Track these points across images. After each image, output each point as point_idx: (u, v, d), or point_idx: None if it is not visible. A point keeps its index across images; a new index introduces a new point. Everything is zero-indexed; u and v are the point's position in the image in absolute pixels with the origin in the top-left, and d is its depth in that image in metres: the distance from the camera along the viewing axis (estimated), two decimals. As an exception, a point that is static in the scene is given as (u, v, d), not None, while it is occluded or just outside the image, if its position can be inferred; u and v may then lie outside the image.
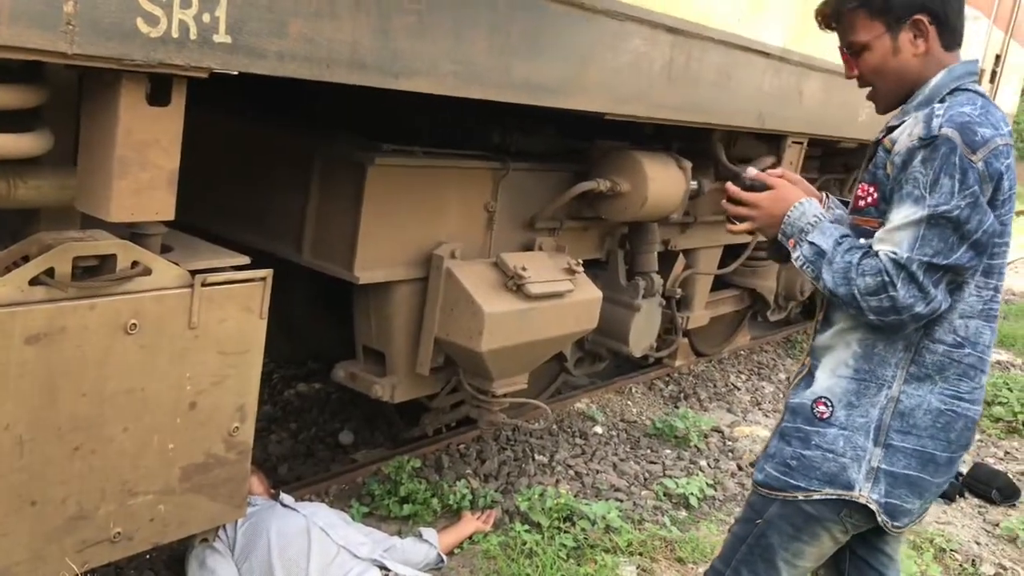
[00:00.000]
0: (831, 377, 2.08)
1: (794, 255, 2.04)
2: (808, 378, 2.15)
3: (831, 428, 2.05)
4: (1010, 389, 6.23)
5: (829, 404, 2.05)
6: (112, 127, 1.89)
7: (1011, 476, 4.92)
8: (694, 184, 4.13)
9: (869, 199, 2.02)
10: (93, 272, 2.04)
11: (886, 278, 1.88)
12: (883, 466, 2.02)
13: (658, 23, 3.12)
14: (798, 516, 2.11)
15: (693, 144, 4.20)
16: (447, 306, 3.35)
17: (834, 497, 2.05)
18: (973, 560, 4.00)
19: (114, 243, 2.06)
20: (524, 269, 3.43)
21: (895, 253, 1.88)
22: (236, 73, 1.94)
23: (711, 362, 6.48)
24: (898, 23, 1.96)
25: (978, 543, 4.23)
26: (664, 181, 3.85)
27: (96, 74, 1.85)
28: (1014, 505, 4.69)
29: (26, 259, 1.95)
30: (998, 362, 7.58)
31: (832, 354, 2.10)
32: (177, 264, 2.19)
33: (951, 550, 4.06)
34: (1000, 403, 6.04)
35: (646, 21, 3.06)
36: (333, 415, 4.70)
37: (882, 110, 2.12)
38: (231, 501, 2.52)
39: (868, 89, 2.13)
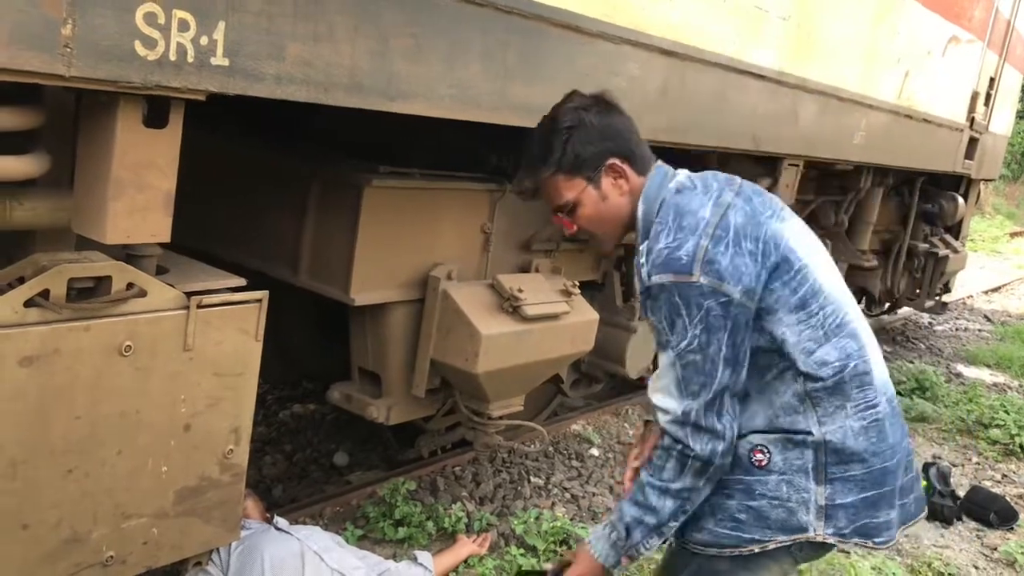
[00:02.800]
0: (757, 433, 2.05)
1: (647, 548, 2.06)
2: None
3: (771, 475, 2.01)
4: (1007, 411, 6.22)
5: (766, 451, 2.02)
6: (109, 149, 1.89)
7: (1009, 499, 4.91)
8: (690, 206, 4.13)
9: None
10: (88, 294, 2.03)
11: (675, 448, 1.96)
12: (836, 501, 1.99)
13: (654, 46, 3.14)
14: (749, 561, 2.06)
15: (688, 166, 4.19)
16: (443, 328, 3.34)
17: (789, 543, 2.01)
18: (971, 584, 3.99)
19: (109, 265, 2.05)
20: (520, 291, 3.43)
21: (669, 413, 1.95)
22: (231, 95, 1.95)
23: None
24: (596, 173, 2.04)
25: (976, 567, 4.21)
26: (660, 203, 3.85)
27: (93, 96, 1.86)
28: (1012, 529, 4.68)
29: (21, 280, 1.94)
30: (995, 384, 7.58)
31: (750, 414, 2.07)
32: (173, 286, 2.18)
33: (949, 574, 4.04)
34: (997, 425, 6.03)
35: (642, 44, 3.08)
36: (328, 436, 4.68)
37: (611, 248, 2.20)
38: (225, 524, 2.50)
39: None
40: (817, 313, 1.97)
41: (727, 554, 2.05)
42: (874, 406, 2.01)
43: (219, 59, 1.89)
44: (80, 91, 1.80)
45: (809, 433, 1.98)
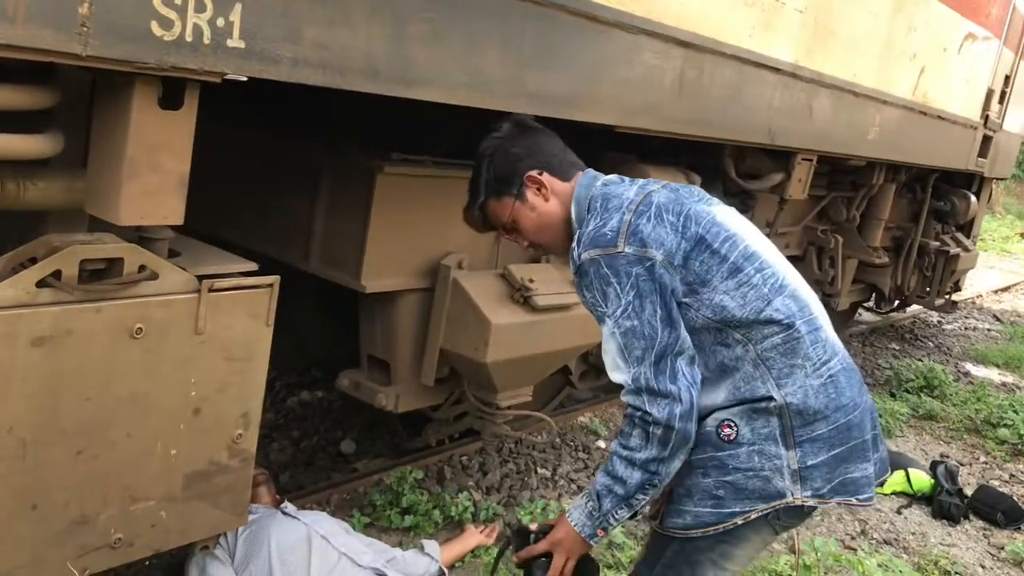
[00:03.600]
0: (722, 409, 2.07)
1: (616, 519, 2.07)
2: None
3: (741, 447, 2.03)
4: (1016, 411, 6.19)
5: (732, 425, 2.04)
6: (123, 129, 1.88)
7: (1016, 499, 4.89)
8: (703, 199, 4.11)
9: None
10: (100, 275, 2.03)
11: (636, 415, 1.98)
12: (807, 463, 2.01)
13: (670, 37, 3.12)
14: (729, 534, 2.08)
15: (702, 159, 4.19)
16: (453, 317, 3.34)
17: (769, 510, 2.03)
18: (978, 583, 3.97)
19: (122, 247, 2.04)
20: (531, 281, 3.41)
21: (624, 386, 2.01)
22: (245, 79, 1.94)
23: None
24: (519, 188, 2.18)
25: (983, 566, 4.19)
26: (673, 195, 3.83)
27: (109, 76, 1.84)
28: (1019, 528, 4.66)
29: (33, 261, 1.94)
30: (1003, 384, 7.54)
31: (713, 394, 2.09)
32: (184, 269, 2.18)
33: (956, 573, 4.02)
34: (1005, 425, 6.00)
35: (658, 35, 3.06)
36: (335, 424, 4.68)
37: (564, 253, 2.24)
38: (233, 509, 2.50)
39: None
40: (754, 275, 2.03)
41: (711, 532, 2.07)
42: (827, 362, 2.04)
43: (235, 41, 1.87)
44: (96, 71, 1.79)
45: (771, 399, 2.01)
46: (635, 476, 2.00)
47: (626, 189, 2.11)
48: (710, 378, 2.06)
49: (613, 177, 2.20)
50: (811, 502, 2.03)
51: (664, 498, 2.16)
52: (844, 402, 2.05)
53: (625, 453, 2.02)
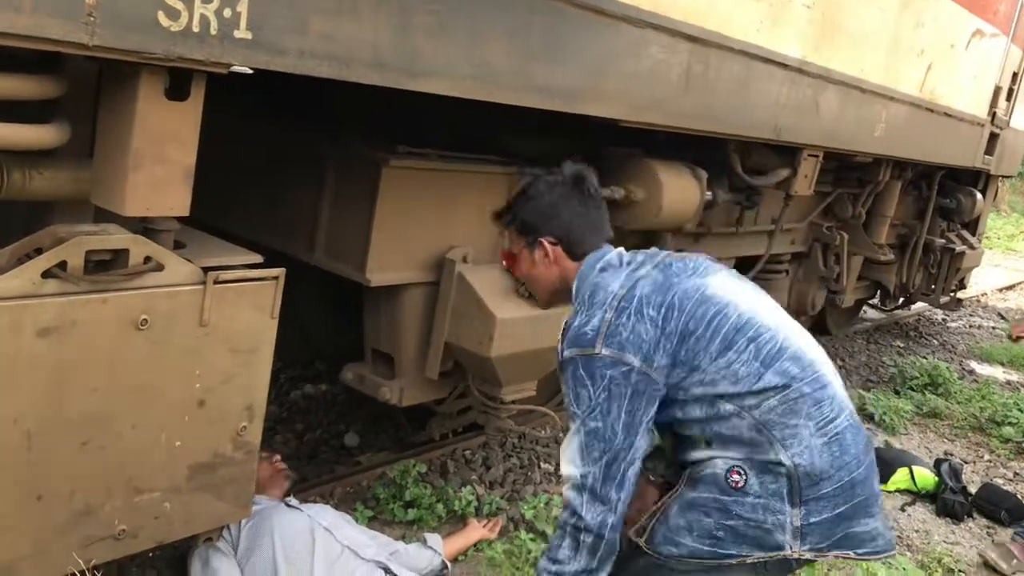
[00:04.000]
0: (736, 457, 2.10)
1: None
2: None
3: (748, 497, 2.05)
4: (1020, 409, 6.17)
5: (743, 472, 2.06)
6: (129, 120, 1.88)
7: (1020, 497, 4.88)
8: (709, 194, 4.11)
9: None
10: (106, 266, 2.03)
11: (569, 522, 2.05)
12: (810, 520, 2.03)
13: (677, 31, 3.10)
14: (716, 568, 2.11)
15: (707, 154, 4.18)
16: (458, 311, 3.33)
17: (766, 559, 2.06)
18: (981, 581, 3.97)
19: (127, 238, 2.04)
20: (536, 275, 3.40)
21: (570, 480, 2.07)
22: (251, 71, 1.93)
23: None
24: (532, 243, 2.28)
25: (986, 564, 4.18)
26: (679, 190, 3.83)
27: (115, 66, 1.84)
28: (1023, 526, 4.65)
29: (39, 251, 1.94)
30: (1008, 382, 7.53)
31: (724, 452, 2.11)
32: (190, 261, 2.18)
33: (959, 571, 4.02)
34: (1010, 423, 5.99)
35: (665, 29, 3.05)
36: (339, 417, 4.68)
37: (544, 306, 2.43)
38: (237, 501, 2.50)
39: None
40: (747, 347, 2.04)
41: (706, 564, 2.10)
42: (833, 420, 2.06)
43: (242, 32, 1.87)
44: (102, 61, 1.79)
45: (780, 463, 2.03)
46: (576, 563, 2.05)
47: (615, 278, 2.14)
48: (724, 441, 2.08)
49: (613, 256, 2.23)
50: (808, 556, 2.05)
51: (654, 517, 2.18)
52: (848, 460, 2.05)
53: (554, 568, 2.08)
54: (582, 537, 2.04)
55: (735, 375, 2.03)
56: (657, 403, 2.06)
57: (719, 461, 2.08)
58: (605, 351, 2.02)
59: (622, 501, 2.04)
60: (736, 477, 2.05)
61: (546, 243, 2.25)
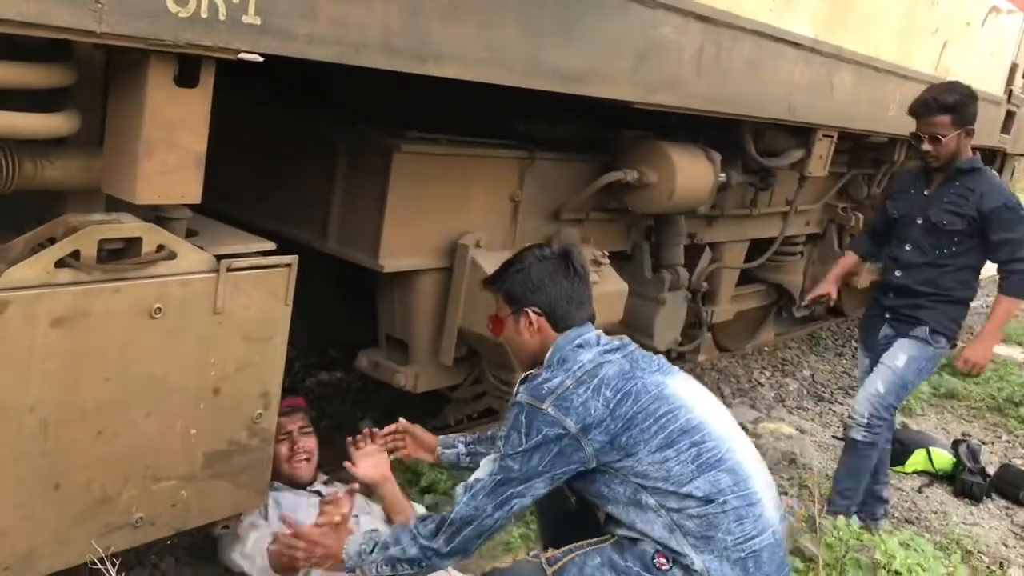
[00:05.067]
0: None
1: (376, 571, 2.29)
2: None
3: None
4: (1037, 389, 6.15)
5: (668, 562, 2.18)
6: (139, 108, 1.87)
7: (1039, 478, 4.85)
8: (722, 176, 4.08)
9: None
10: (118, 255, 2.03)
11: (444, 515, 2.26)
12: None
13: (689, 11, 3.07)
14: None
15: (721, 135, 4.14)
16: (471, 296, 3.32)
17: None
18: (1001, 563, 3.94)
19: (140, 226, 2.04)
20: (549, 260, 3.39)
21: (469, 490, 2.26)
22: (261, 59, 1.92)
23: (734, 357, 6.42)
24: (518, 312, 2.42)
25: (1006, 545, 4.17)
26: (692, 173, 3.80)
27: (124, 54, 1.83)
28: (1042, 507, 4.63)
29: (52, 241, 1.94)
30: (1021, 364, 7.47)
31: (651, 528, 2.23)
32: (203, 249, 2.18)
33: (978, 552, 4.00)
34: (1027, 403, 5.96)
35: (677, 9, 3.01)
36: (354, 404, 4.69)
37: (521, 370, 2.54)
38: (253, 488, 2.51)
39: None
40: (688, 450, 2.17)
41: None
42: (753, 537, 2.16)
43: (251, 17, 1.85)
44: (111, 48, 1.78)
45: (692, 566, 2.16)
46: (412, 551, 2.25)
47: (586, 354, 2.29)
48: (636, 529, 2.23)
49: (590, 335, 2.38)
50: None
51: (571, 552, 2.30)
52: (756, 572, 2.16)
53: (416, 530, 2.28)
54: (445, 526, 2.23)
55: (667, 472, 2.16)
56: (577, 470, 2.21)
57: (648, 541, 2.20)
58: (551, 410, 2.18)
59: (492, 522, 2.22)
60: (662, 560, 2.19)
61: (531, 313, 2.38)
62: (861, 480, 3.87)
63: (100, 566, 2.07)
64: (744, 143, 4.24)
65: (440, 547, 2.24)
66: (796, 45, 3.76)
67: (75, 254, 1.93)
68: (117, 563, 2.12)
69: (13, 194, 1.99)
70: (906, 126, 5.16)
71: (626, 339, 2.44)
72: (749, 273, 5.64)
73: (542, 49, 2.57)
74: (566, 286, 2.40)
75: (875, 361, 3.89)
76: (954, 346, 3.96)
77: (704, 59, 3.25)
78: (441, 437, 2.83)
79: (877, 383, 3.76)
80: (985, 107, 6.11)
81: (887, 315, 3.88)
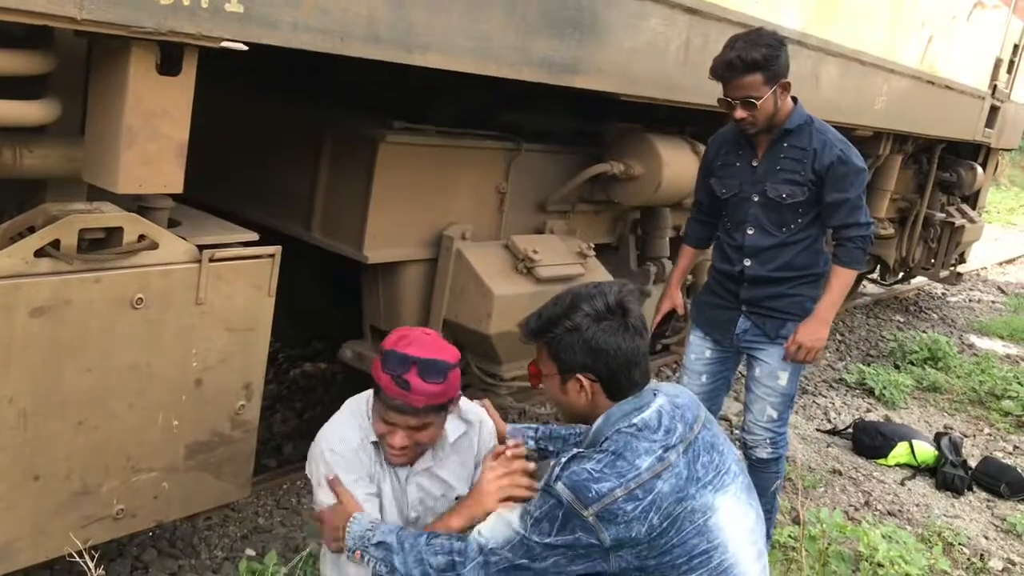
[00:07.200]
0: None
1: (372, 562, 2.14)
2: None
3: None
4: (1020, 383, 6.18)
5: None
6: (121, 96, 1.85)
7: (1020, 471, 4.88)
8: (708, 169, 4.07)
9: None
10: (99, 245, 2.01)
11: (456, 558, 2.06)
12: None
13: (676, 3, 3.07)
14: None
15: (706, 128, 4.14)
16: (456, 288, 3.31)
17: None
18: (981, 554, 3.97)
19: (121, 216, 2.02)
20: (535, 252, 3.39)
21: (483, 539, 2.06)
22: (245, 47, 1.90)
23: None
24: (568, 374, 2.11)
25: (987, 537, 4.19)
26: (679, 165, 3.80)
27: (105, 41, 1.81)
28: (1023, 500, 4.66)
29: (31, 230, 1.92)
30: (1008, 356, 7.53)
31: None
32: (185, 239, 2.16)
33: (959, 544, 4.02)
34: (1010, 397, 5.99)
35: (664, 1, 3.01)
36: (339, 395, 4.66)
37: (566, 421, 2.29)
38: (236, 480, 2.50)
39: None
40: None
41: None
42: None
43: (234, 5, 1.84)
44: (92, 35, 1.75)
45: None
46: (415, 572, 2.10)
47: (645, 452, 2.01)
48: None
49: (650, 416, 2.08)
50: None
51: None
52: None
53: (426, 557, 2.09)
54: (457, 570, 2.07)
55: None
56: (589, 570, 2.04)
57: None
58: (591, 519, 1.97)
59: None
60: None
61: (584, 380, 2.10)
62: (777, 494, 3.57)
63: (79, 559, 2.05)
64: (730, 136, 4.23)
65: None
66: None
67: (55, 243, 1.91)
68: (96, 555, 2.11)
69: (-8, 182, 1.97)
70: (892, 120, 5.20)
71: (686, 413, 2.13)
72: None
73: (529, 40, 2.56)
74: (625, 349, 2.10)
75: (726, 354, 3.49)
76: None
77: (690, 51, 3.25)
78: (509, 427, 2.54)
79: (768, 410, 3.37)
80: (970, 101, 6.15)
81: (744, 307, 3.33)
